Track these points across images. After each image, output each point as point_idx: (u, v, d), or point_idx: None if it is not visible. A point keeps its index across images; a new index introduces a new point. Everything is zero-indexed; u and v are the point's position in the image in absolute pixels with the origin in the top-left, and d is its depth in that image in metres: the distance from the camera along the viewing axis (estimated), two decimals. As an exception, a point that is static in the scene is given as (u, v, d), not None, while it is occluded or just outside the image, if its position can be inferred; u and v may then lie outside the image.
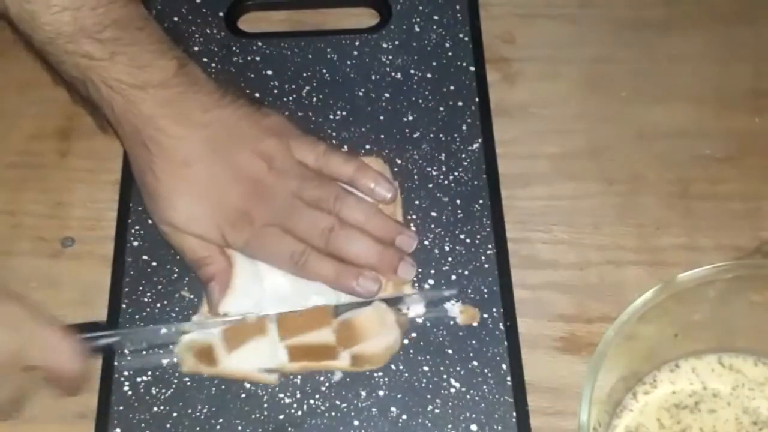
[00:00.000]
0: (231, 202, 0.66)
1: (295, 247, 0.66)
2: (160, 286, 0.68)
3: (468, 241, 0.69)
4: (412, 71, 0.77)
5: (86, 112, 0.70)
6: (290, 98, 0.76)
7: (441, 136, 0.73)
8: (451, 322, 0.66)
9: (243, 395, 0.64)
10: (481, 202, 0.71)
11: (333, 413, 0.63)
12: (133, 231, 0.70)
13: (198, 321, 0.66)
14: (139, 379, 0.64)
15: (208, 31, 0.79)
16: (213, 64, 0.77)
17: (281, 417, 0.63)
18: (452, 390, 0.64)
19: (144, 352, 0.65)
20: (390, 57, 0.77)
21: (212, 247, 0.66)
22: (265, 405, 0.64)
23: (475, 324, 0.66)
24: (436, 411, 0.63)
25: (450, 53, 0.77)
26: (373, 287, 0.66)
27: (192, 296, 0.67)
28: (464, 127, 0.74)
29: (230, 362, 0.64)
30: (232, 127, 0.67)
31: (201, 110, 0.66)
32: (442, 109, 0.75)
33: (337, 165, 0.69)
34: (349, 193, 0.69)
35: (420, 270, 0.68)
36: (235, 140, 0.67)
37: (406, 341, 0.66)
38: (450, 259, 0.68)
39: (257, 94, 0.76)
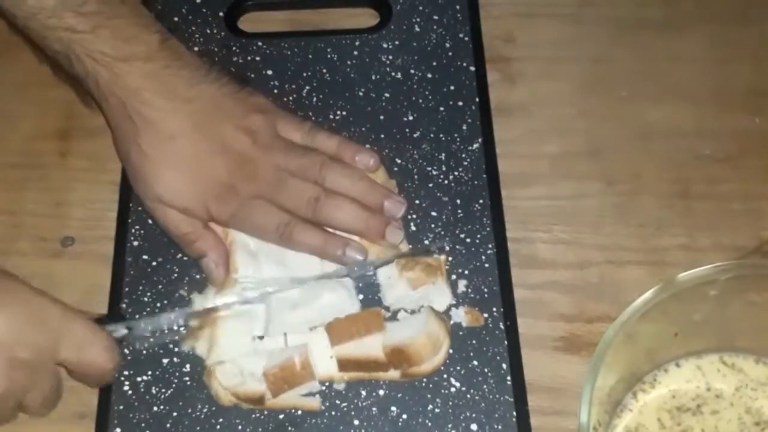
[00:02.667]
0: (216, 175, 0.66)
1: (280, 218, 0.66)
2: (160, 286, 0.68)
3: (468, 240, 0.69)
4: (412, 71, 0.77)
5: (69, 87, 0.70)
6: (290, 98, 0.76)
7: (441, 135, 0.73)
8: (461, 333, 0.66)
9: (243, 395, 0.64)
10: (481, 201, 0.71)
11: (333, 413, 0.63)
12: (133, 231, 0.70)
13: (201, 306, 0.66)
14: (139, 379, 0.64)
15: (208, 31, 0.79)
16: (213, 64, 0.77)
17: (281, 416, 0.63)
18: (452, 390, 0.64)
19: (145, 352, 0.65)
20: (390, 57, 0.77)
21: (196, 223, 0.67)
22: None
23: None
24: (436, 411, 0.63)
25: (450, 53, 0.78)
26: (359, 257, 0.66)
27: (192, 296, 0.67)
28: (464, 127, 0.74)
29: (275, 400, 0.64)
30: (217, 102, 0.67)
31: (186, 85, 0.66)
32: (442, 108, 0.75)
33: (322, 140, 0.70)
34: (334, 160, 0.69)
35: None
36: (220, 115, 0.67)
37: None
38: (450, 258, 0.68)
39: (257, 94, 0.76)
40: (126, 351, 0.65)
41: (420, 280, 0.66)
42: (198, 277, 0.68)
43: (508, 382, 0.64)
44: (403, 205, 0.68)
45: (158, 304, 0.67)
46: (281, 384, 0.62)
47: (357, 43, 0.78)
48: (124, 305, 0.67)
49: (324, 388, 0.64)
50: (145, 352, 0.65)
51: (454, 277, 0.68)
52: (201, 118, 0.66)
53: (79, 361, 0.60)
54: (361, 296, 0.67)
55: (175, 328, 0.65)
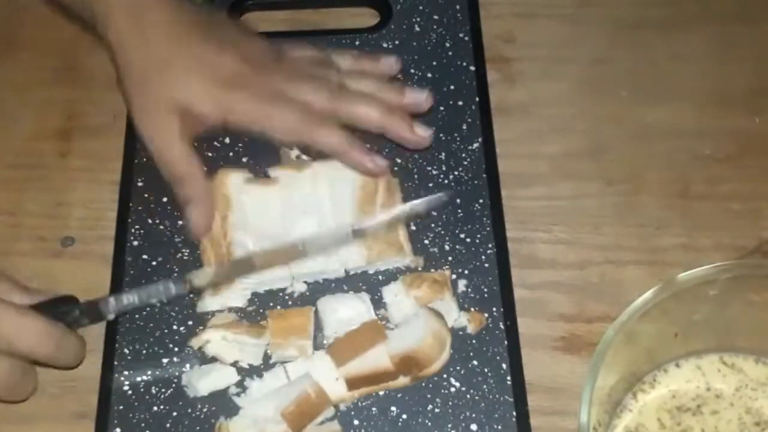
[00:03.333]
0: (229, 66, 0.65)
1: (302, 111, 0.64)
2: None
3: (468, 240, 0.69)
4: (413, 71, 0.77)
5: (77, 24, 0.69)
6: (290, 98, 0.76)
7: (441, 135, 0.73)
8: (461, 332, 0.66)
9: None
10: (481, 201, 0.71)
11: (333, 412, 0.63)
12: (133, 231, 0.70)
13: (203, 309, 0.66)
14: (139, 379, 0.64)
15: (208, 31, 0.79)
16: (213, 64, 0.77)
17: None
18: (452, 389, 0.64)
19: (145, 352, 0.65)
20: (390, 57, 0.77)
21: (195, 165, 0.66)
22: (265, 405, 0.64)
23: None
24: (436, 411, 0.63)
25: (450, 53, 0.78)
26: (386, 164, 0.65)
27: (192, 296, 0.67)
28: (464, 127, 0.74)
29: None
30: (225, 20, 0.68)
31: (193, 7, 0.68)
32: (442, 108, 0.75)
33: (337, 56, 0.70)
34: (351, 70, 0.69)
35: (420, 269, 0.68)
36: (230, 26, 0.68)
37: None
38: (450, 258, 0.68)
39: (257, 94, 0.76)
40: (126, 351, 0.65)
41: (427, 298, 0.66)
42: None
43: (508, 382, 0.64)
44: (425, 91, 0.67)
45: (158, 304, 0.67)
46: (301, 419, 0.61)
47: (357, 43, 0.78)
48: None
49: (338, 412, 0.63)
50: (145, 352, 0.65)
51: (454, 277, 0.68)
52: (211, 26, 0.66)
53: (15, 352, 0.59)
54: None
55: (165, 300, 0.64)
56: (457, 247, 0.69)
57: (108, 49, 0.67)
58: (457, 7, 0.80)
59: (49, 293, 0.63)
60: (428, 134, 0.66)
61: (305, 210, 0.68)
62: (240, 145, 0.72)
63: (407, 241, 0.68)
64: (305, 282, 0.67)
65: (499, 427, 0.62)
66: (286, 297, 0.67)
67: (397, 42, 0.78)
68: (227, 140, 0.72)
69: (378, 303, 0.67)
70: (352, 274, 0.68)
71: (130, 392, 0.64)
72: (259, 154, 0.71)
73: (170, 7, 0.66)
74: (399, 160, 0.72)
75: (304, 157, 0.71)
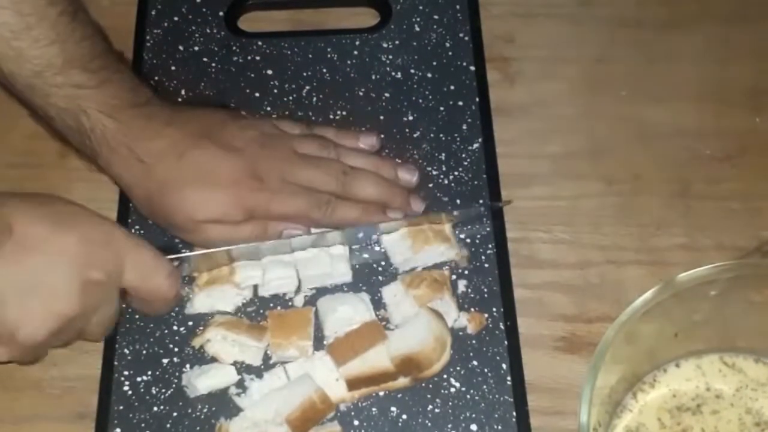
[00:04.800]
0: (237, 170, 0.66)
1: (319, 197, 0.67)
2: (160, 286, 0.68)
3: (468, 240, 0.69)
4: (413, 71, 0.77)
5: (65, 145, 0.69)
6: (290, 98, 0.76)
7: (441, 135, 0.73)
8: (461, 332, 0.66)
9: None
10: (481, 201, 0.71)
11: (333, 412, 0.63)
12: (133, 231, 0.70)
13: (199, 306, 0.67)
14: (139, 379, 0.64)
15: (208, 31, 0.79)
16: (213, 64, 0.77)
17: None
18: (452, 390, 0.64)
19: (145, 352, 0.65)
20: (390, 57, 0.77)
21: (234, 227, 0.66)
22: (266, 405, 0.64)
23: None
24: (436, 411, 0.63)
25: (450, 53, 0.77)
26: (400, 215, 0.68)
27: (192, 295, 0.67)
28: (464, 127, 0.74)
29: None
30: (214, 116, 0.69)
31: (183, 112, 0.68)
32: (442, 108, 0.75)
33: (322, 131, 0.72)
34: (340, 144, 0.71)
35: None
36: (220, 124, 0.68)
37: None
38: (450, 258, 0.69)
39: (257, 94, 0.76)
40: (126, 351, 0.65)
41: (426, 297, 0.66)
42: (196, 275, 0.68)
43: (508, 382, 0.64)
44: (415, 171, 0.71)
45: (158, 304, 0.67)
46: (305, 425, 0.62)
47: (357, 43, 0.78)
48: (124, 305, 0.67)
49: (338, 413, 0.63)
50: (145, 352, 0.65)
51: (454, 277, 0.68)
52: (204, 130, 0.67)
53: (142, 286, 0.61)
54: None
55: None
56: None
57: (117, 183, 0.69)
58: (457, 7, 0.80)
59: None
60: (422, 207, 0.70)
61: None
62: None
63: (453, 234, 0.68)
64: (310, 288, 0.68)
65: (499, 427, 0.62)
66: (287, 298, 0.67)
67: (397, 42, 0.78)
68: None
69: (378, 303, 0.67)
70: (402, 271, 0.68)
71: (130, 392, 0.64)
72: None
73: (167, 123, 0.66)
74: (399, 161, 0.72)
75: None
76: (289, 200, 0.66)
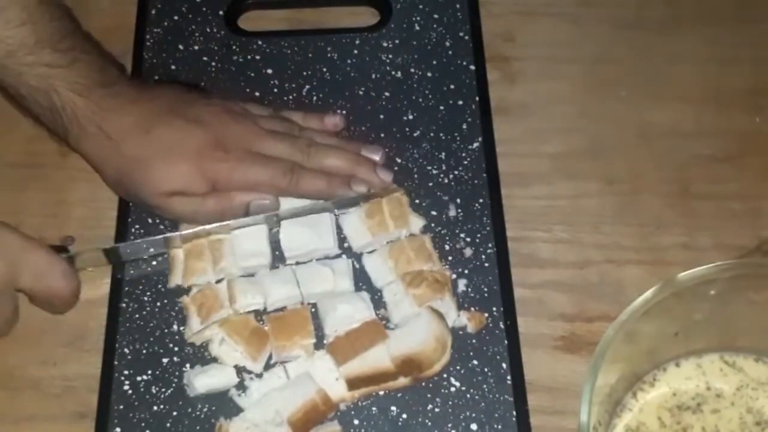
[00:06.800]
0: (201, 141, 0.67)
1: (283, 164, 0.68)
2: (159, 285, 0.68)
3: (468, 240, 0.69)
4: (413, 70, 0.77)
5: (36, 124, 0.70)
6: (290, 97, 0.76)
7: (441, 135, 0.73)
8: (460, 332, 0.66)
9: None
10: (481, 201, 0.71)
11: (333, 413, 0.63)
12: (133, 230, 0.70)
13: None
14: (139, 379, 0.64)
15: (208, 30, 0.79)
16: (213, 63, 0.77)
17: (281, 416, 0.63)
18: (452, 389, 0.64)
19: (145, 352, 0.65)
20: (390, 56, 0.77)
21: (196, 200, 0.67)
22: (266, 404, 0.64)
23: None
24: (436, 410, 0.63)
25: (450, 52, 0.77)
26: (365, 188, 0.69)
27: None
28: (464, 126, 0.74)
29: None
30: (181, 93, 0.70)
31: (149, 89, 0.70)
32: (442, 107, 0.75)
33: (288, 114, 0.73)
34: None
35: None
36: (186, 101, 0.70)
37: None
38: (450, 258, 0.68)
39: (257, 93, 0.76)
40: (126, 351, 0.65)
41: (426, 297, 0.65)
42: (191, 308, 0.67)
43: (508, 382, 0.64)
44: (380, 150, 0.72)
45: (158, 303, 0.67)
46: (307, 425, 0.62)
47: (357, 42, 0.78)
48: (123, 305, 0.67)
49: (338, 412, 0.63)
50: (145, 352, 0.65)
51: (454, 276, 0.68)
52: (170, 106, 0.68)
53: (37, 287, 0.63)
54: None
55: (153, 251, 0.67)
56: (457, 246, 0.69)
57: (86, 160, 0.69)
58: (457, 6, 0.80)
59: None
60: (390, 177, 0.70)
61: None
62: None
63: (434, 250, 0.68)
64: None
65: (499, 426, 0.62)
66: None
67: (397, 41, 0.78)
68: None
69: (378, 303, 0.67)
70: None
71: (130, 392, 0.64)
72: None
73: (134, 102, 0.67)
74: (399, 160, 0.72)
75: None
76: (252, 168, 0.67)
